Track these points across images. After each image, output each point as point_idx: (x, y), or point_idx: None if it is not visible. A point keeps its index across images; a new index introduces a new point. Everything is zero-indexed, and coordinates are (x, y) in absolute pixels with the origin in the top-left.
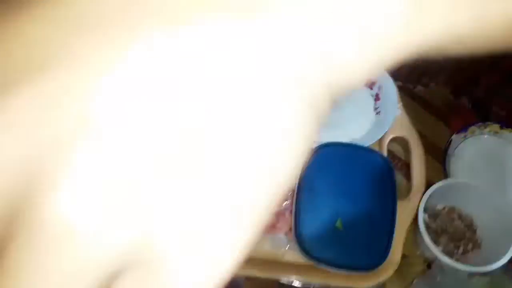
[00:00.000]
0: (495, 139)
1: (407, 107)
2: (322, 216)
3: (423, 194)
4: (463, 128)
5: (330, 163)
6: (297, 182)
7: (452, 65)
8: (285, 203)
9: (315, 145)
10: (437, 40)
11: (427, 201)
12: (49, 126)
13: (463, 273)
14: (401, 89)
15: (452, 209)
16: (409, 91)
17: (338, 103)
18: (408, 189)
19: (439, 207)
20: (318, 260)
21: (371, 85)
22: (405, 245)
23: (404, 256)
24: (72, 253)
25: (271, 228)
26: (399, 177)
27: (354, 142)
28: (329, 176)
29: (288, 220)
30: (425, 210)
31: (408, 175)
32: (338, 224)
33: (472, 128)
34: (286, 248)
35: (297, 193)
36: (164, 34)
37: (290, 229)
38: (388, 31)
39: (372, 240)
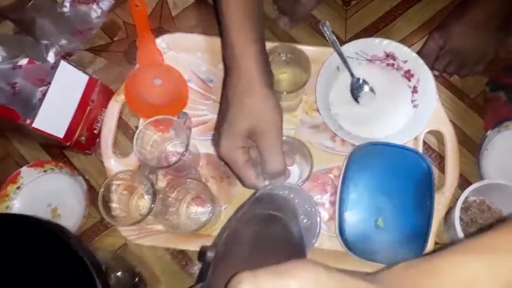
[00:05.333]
0: None
1: (442, 98)
2: (364, 212)
3: (456, 188)
4: (497, 123)
5: (373, 162)
6: (341, 177)
7: (490, 56)
8: (325, 195)
9: (359, 144)
10: None
11: (461, 195)
12: None
13: None
14: (437, 78)
15: (483, 201)
16: (446, 81)
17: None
18: (442, 181)
19: (471, 199)
20: (359, 254)
21: (409, 77)
22: (436, 233)
23: (436, 243)
24: None
25: None
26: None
27: (394, 139)
28: (371, 174)
29: (328, 210)
30: None
31: (442, 167)
32: (380, 222)
33: (507, 123)
34: (327, 236)
35: (341, 188)
36: None
37: (331, 218)
38: None
39: (410, 237)
